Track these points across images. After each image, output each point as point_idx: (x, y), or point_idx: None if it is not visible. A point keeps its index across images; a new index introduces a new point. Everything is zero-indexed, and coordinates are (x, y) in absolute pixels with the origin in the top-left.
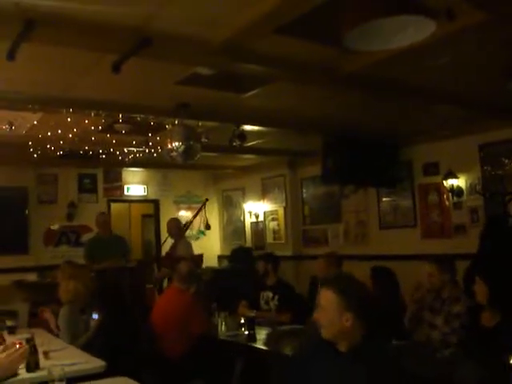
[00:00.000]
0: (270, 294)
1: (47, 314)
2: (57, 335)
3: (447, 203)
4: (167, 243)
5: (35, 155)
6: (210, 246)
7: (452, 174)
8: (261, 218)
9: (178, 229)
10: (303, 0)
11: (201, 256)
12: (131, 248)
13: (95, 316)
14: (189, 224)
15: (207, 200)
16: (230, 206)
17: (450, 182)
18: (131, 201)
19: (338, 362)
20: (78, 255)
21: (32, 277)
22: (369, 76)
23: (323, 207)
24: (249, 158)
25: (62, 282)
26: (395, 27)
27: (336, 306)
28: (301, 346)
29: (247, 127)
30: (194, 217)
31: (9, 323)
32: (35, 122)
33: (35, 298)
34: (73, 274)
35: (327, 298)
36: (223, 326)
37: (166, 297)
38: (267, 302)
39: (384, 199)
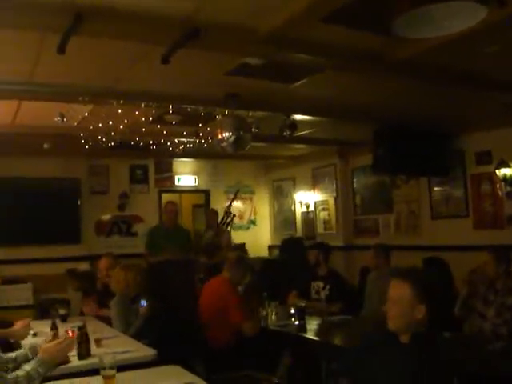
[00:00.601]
0: (321, 284)
1: (86, 309)
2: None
3: (500, 193)
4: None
5: (87, 146)
6: (260, 236)
7: (505, 163)
8: (311, 208)
9: (217, 219)
10: None
11: (243, 245)
12: (193, 241)
13: (143, 303)
14: (227, 215)
15: (238, 191)
16: (280, 195)
17: (502, 172)
18: (182, 191)
19: (400, 352)
20: (128, 245)
21: (84, 266)
22: (419, 63)
23: (374, 197)
24: (299, 148)
25: (111, 272)
26: (445, 13)
27: (410, 299)
28: (360, 336)
29: (297, 117)
30: (229, 207)
31: (61, 311)
32: (86, 114)
33: (87, 287)
34: (120, 264)
35: (400, 291)
36: (273, 316)
37: (210, 286)
38: (318, 292)
39: (436, 189)
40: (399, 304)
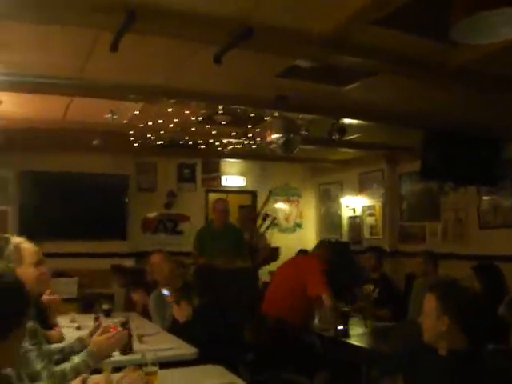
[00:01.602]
0: (372, 287)
1: (136, 296)
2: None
3: None
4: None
5: (136, 144)
6: (306, 239)
7: None
8: (358, 213)
9: (252, 220)
10: None
11: (277, 249)
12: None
13: (166, 292)
14: (260, 215)
15: (271, 192)
16: (327, 199)
17: None
18: (228, 191)
19: (438, 365)
20: (174, 243)
21: (129, 262)
22: (473, 70)
23: (421, 204)
24: (347, 152)
25: (157, 266)
26: (502, 20)
27: (434, 310)
28: (402, 347)
29: (346, 120)
30: (262, 208)
31: (105, 306)
32: (136, 112)
33: (131, 283)
34: (168, 259)
35: (428, 303)
36: (317, 320)
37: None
38: (368, 295)
39: (484, 198)
40: (428, 317)
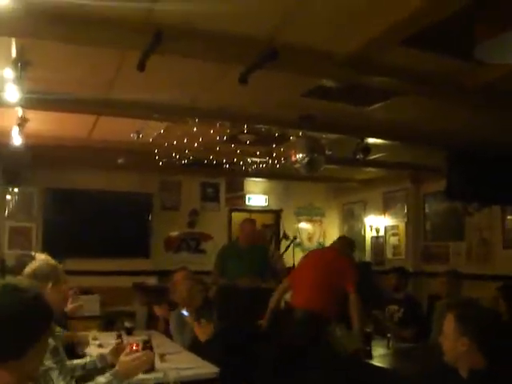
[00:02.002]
0: (396, 308)
1: (159, 310)
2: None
3: None
4: None
5: (160, 163)
6: None
7: None
8: (381, 233)
9: (263, 239)
10: (434, 10)
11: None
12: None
13: (185, 313)
14: (285, 238)
15: (281, 211)
16: (350, 219)
17: None
18: (252, 211)
19: None
20: (197, 262)
21: (152, 281)
22: (498, 88)
23: (445, 223)
24: (371, 171)
25: (177, 285)
26: None
27: (453, 331)
28: (424, 368)
29: (371, 140)
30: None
31: (127, 324)
32: (162, 131)
33: (153, 302)
34: (188, 277)
35: (447, 324)
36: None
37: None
38: (392, 316)
39: (509, 217)
40: (448, 337)
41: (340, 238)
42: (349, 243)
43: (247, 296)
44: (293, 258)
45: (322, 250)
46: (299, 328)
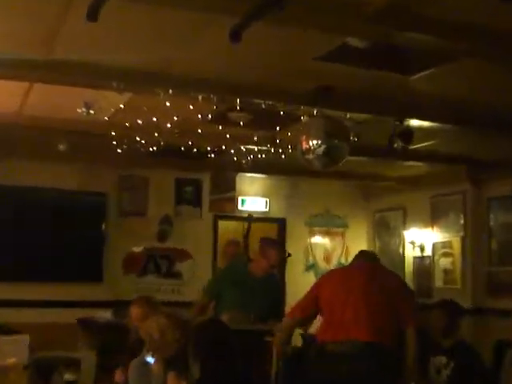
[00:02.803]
0: (444, 360)
1: (119, 375)
2: None
3: None
4: None
5: (119, 150)
6: None
7: None
8: (428, 252)
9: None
10: None
11: None
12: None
13: (151, 360)
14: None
15: (252, 218)
16: (384, 232)
17: None
18: (249, 220)
19: None
20: (169, 289)
21: (105, 315)
22: None
23: None
24: (413, 167)
25: (140, 324)
26: None
27: None
28: None
29: (414, 122)
30: (245, 241)
31: (68, 377)
32: (121, 106)
33: (107, 345)
34: (152, 311)
35: None
36: None
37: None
38: (439, 371)
39: None
40: None
41: (362, 253)
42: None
43: (246, 343)
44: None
45: (365, 265)
46: (355, 364)
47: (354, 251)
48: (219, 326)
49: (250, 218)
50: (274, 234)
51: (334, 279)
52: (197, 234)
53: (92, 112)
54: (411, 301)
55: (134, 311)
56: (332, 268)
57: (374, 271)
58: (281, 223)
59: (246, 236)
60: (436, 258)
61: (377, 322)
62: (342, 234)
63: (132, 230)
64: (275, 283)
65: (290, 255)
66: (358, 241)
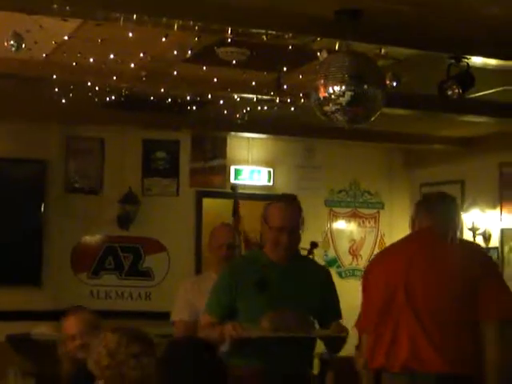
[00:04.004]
0: None
1: None
2: None
3: None
4: None
5: (63, 100)
6: None
7: None
8: (494, 242)
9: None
10: None
11: None
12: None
13: None
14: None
15: (236, 191)
16: None
17: None
18: (242, 196)
19: None
20: (135, 294)
21: (45, 330)
22: None
23: None
24: (475, 124)
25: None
26: None
27: None
28: None
29: (475, 59)
30: (236, 224)
31: None
32: (66, 38)
33: (47, 372)
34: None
35: None
36: None
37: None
38: None
39: None
40: None
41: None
42: None
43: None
44: None
45: (427, 241)
46: None
47: (392, 241)
48: (198, 346)
49: (235, 192)
50: None
51: (383, 267)
52: (172, 217)
53: (24, 46)
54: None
55: (75, 323)
56: (360, 266)
57: (450, 250)
58: None
59: (237, 219)
60: (506, 249)
61: (452, 337)
62: (375, 218)
63: (82, 213)
64: (313, 265)
65: (316, 245)
66: (398, 226)
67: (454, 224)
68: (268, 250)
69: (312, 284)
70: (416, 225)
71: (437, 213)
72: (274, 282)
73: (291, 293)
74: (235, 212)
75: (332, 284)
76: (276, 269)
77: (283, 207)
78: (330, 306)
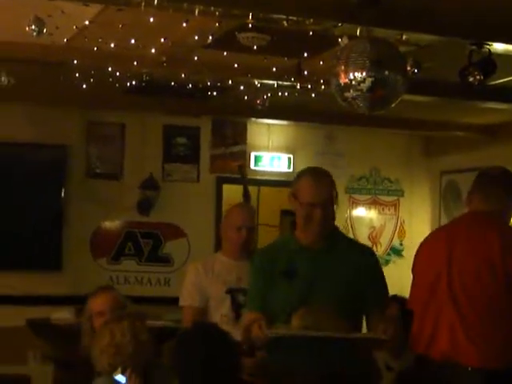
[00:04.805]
0: None
1: None
2: None
3: None
4: None
5: (84, 86)
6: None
7: None
8: None
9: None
10: None
11: None
12: None
13: (122, 379)
14: None
15: (244, 172)
16: (455, 201)
17: None
18: (262, 182)
19: None
20: (155, 279)
21: (65, 315)
22: None
23: None
24: (497, 111)
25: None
26: None
27: None
28: None
29: (498, 46)
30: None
31: None
32: (87, 23)
33: (67, 356)
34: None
35: None
36: None
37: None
38: None
39: None
40: None
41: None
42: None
43: None
44: None
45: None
46: None
47: (413, 229)
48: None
49: (242, 173)
50: None
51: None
52: (192, 203)
53: (46, 31)
54: None
55: (106, 300)
56: (380, 253)
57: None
58: None
59: (247, 200)
60: None
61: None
62: (395, 205)
63: (103, 198)
64: (353, 246)
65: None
66: (418, 214)
67: (507, 207)
68: (299, 231)
69: (351, 269)
70: (470, 202)
71: (490, 193)
72: (305, 270)
73: (324, 281)
74: (245, 193)
75: (377, 267)
76: (307, 254)
77: (315, 180)
78: (374, 294)
